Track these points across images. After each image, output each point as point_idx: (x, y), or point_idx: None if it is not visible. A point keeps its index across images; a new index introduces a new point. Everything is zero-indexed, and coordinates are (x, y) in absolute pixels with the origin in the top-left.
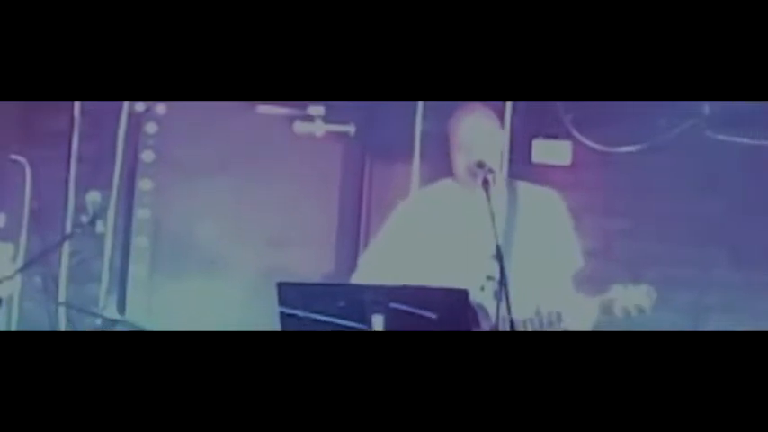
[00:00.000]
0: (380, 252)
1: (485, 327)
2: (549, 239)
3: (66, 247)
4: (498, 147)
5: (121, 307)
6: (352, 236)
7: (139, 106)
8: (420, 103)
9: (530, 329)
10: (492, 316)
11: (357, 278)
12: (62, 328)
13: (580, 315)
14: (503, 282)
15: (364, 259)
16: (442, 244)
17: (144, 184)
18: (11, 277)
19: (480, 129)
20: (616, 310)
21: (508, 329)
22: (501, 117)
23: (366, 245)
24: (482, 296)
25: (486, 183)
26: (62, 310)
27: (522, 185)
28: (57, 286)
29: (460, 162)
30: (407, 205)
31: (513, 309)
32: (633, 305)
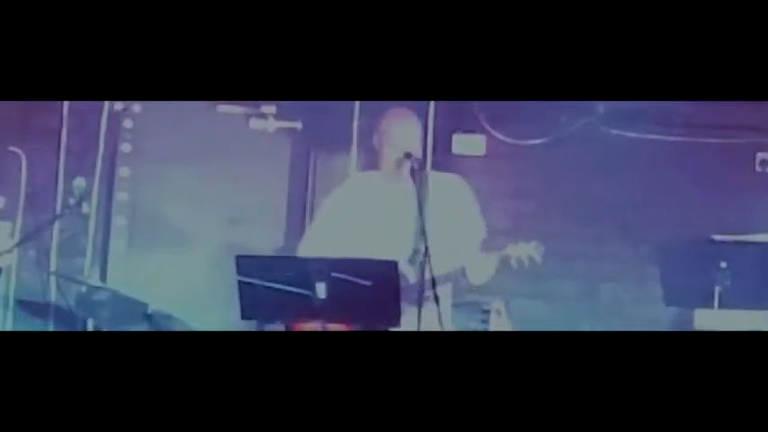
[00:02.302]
0: (320, 228)
1: (407, 290)
2: (459, 216)
3: (57, 226)
4: (419, 141)
5: (103, 276)
6: (300, 216)
7: (118, 106)
8: (357, 103)
9: (441, 286)
10: (413, 281)
11: (303, 248)
12: (53, 294)
13: (482, 269)
14: (426, 253)
15: (309, 233)
16: (372, 223)
17: (122, 172)
18: (9, 251)
19: (405, 126)
20: (512, 262)
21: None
22: (426, 115)
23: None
24: (407, 266)
25: (413, 171)
26: (53, 279)
27: (437, 174)
28: (48, 259)
29: (390, 155)
30: (343, 190)
31: (432, 270)
32: (526, 256)
